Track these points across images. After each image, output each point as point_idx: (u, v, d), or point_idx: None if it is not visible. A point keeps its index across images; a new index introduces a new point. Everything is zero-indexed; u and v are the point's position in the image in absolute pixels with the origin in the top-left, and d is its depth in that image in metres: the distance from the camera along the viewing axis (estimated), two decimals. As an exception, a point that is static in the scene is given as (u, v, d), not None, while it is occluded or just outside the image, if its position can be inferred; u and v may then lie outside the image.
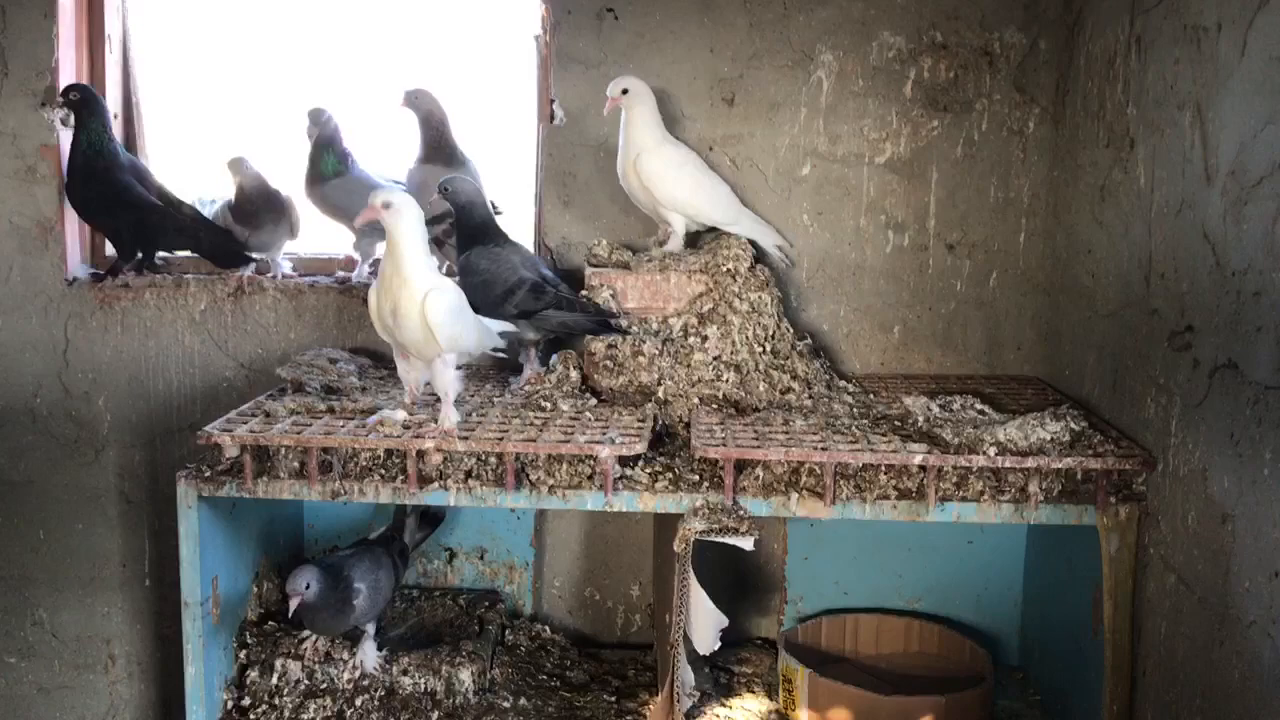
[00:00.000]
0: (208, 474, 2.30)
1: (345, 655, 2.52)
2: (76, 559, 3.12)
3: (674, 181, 2.68)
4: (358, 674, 2.51)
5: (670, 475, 2.28)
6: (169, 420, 3.03)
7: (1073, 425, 2.19)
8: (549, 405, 2.48)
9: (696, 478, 2.27)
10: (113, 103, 3.13)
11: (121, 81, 3.17)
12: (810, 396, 2.57)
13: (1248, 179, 1.83)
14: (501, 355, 2.60)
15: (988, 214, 2.88)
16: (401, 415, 2.30)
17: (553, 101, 2.91)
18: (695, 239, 2.79)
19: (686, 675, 2.34)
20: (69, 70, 2.98)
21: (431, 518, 2.82)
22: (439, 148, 2.83)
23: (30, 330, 2.99)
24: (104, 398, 3.03)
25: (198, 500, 2.29)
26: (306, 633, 2.52)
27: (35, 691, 3.19)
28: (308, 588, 2.32)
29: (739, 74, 2.86)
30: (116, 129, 3.14)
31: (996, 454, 2.14)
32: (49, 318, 2.99)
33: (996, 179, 2.86)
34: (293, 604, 2.33)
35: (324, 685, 2.50)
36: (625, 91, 2.65)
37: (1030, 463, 2.14)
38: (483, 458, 2.27)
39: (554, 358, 2.66)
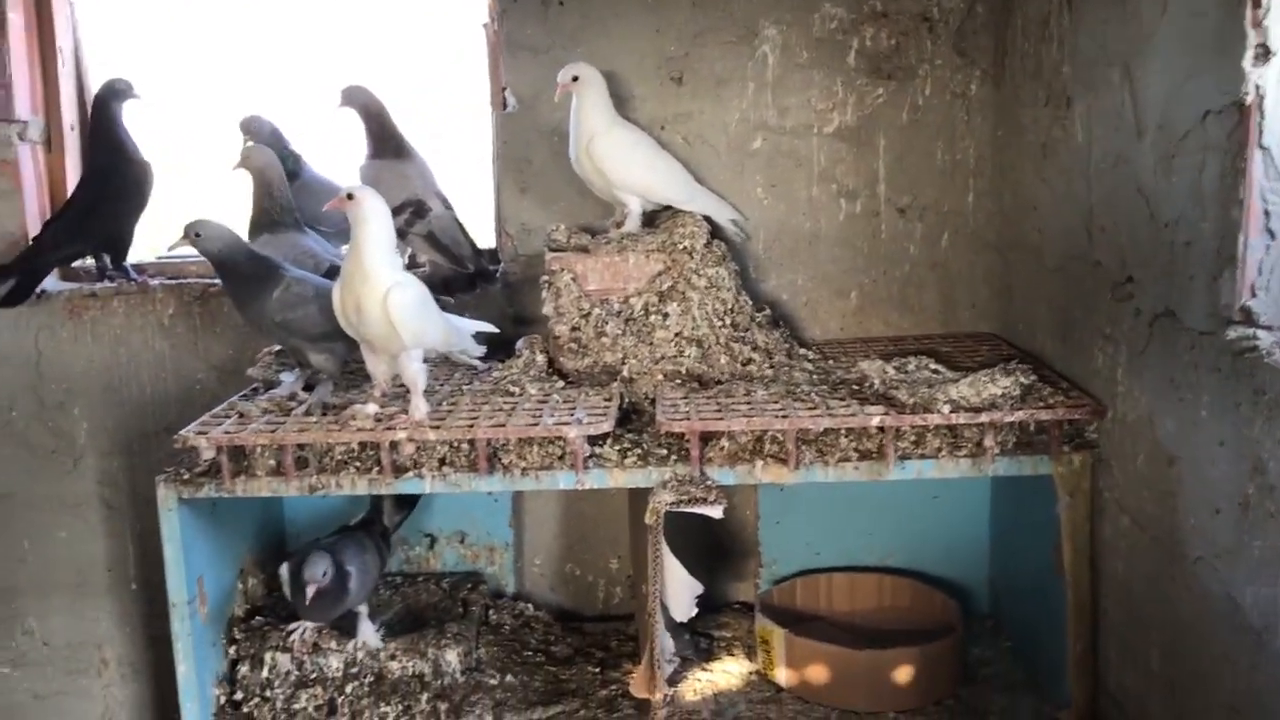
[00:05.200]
0: (186, 476, 2.34)
1: (334, 644, 2.57)
2: (62, 567, 3.16)
3: (627, 163, 2.72)
4: (362, 653, 2.57)
5: (638, 451, 2.34)
6: (144, 425, 3.07)
7: (1022, 379, 2.26)
8: (517, 389, 2.53)
9: (664, 452, 2.33)
10: (68, 113, 3.15)
11: (76, 94, 3.18)
12: (771, 366, 2.63)
13: (1174, 133, 1.90)
14: (476, 363, 2.64)
15: (936, 176, 2.94)
16: (373, 408, 2.34)
17: (504, 89, 2.95)
18: (652, 218, 2.84)
19: (666, 642, 2.41)
20: (23, 85, 3.00)
21: (408, 499, 2.86)
22: (384, 141, 2.83)
23: (2, 345, 3.02)
24: (79, 407, 3.07)
25: (178, 502, 2.34)
26: (294, 625, 2.58)
27: (31, 699, 3.23)
28: (324, 575, 2.39)
29: (685, 52, 2.90)
30: (73, 140, 3.18)
31: (951, 411, 2.21)
32: (19, 331, 3.02)
33: (943, 142, 2.92)
34: (310, 591, 2.40)
35: (314, 675, 2.56)
36: (576, 79, 2.69)
37: (984, 417, 2.22)
38: (455, 444, 2.32)
39: (520, 342, 2.71)
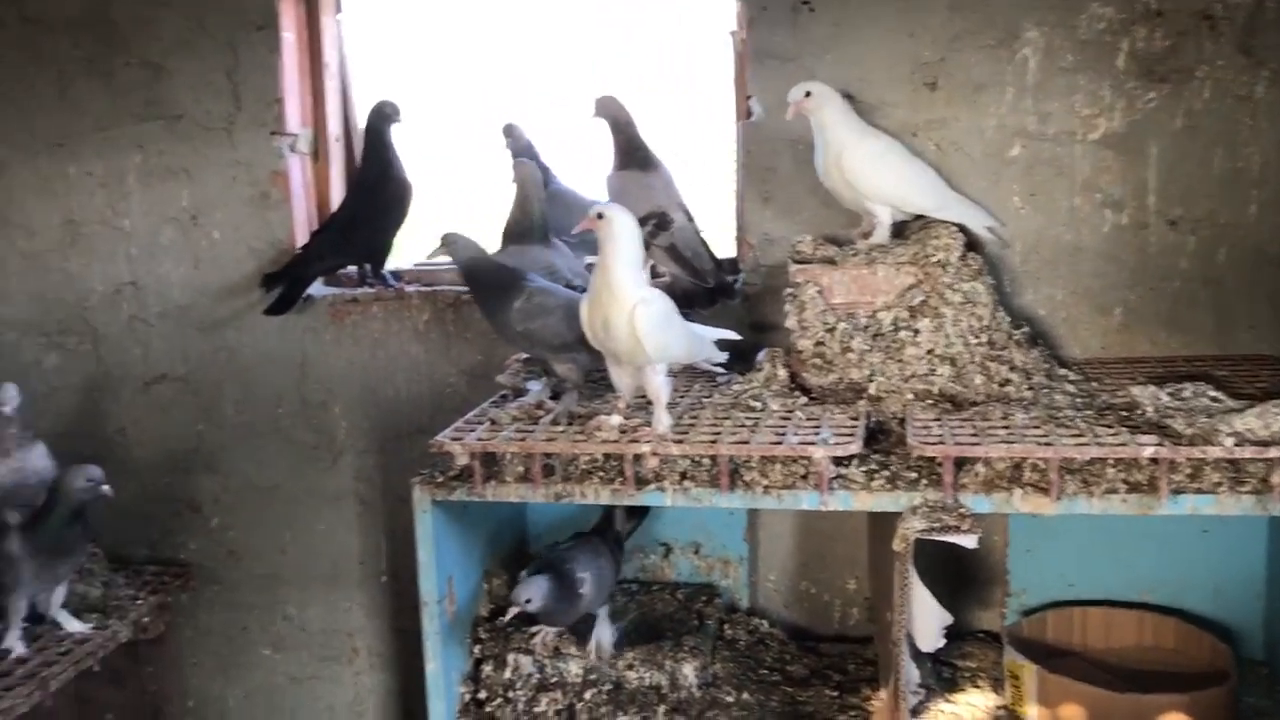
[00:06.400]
0: (440, 479, 2.41)
1: (574, 649, 2.60)
2: (319, 558, 3.34)
3: (878, 173, 2.64)
4: (596, 656, 2.59)
5: (886, 474, 2.26)
6: (399, 425, 3.20)
7: (1319, 412, 2.06)
8: (759, 405, 2.50)
9: (914, 475, 2.24)
10: (334, 125, 3.32)
11: (341, 105, 3.35)
12: (1030, 388, 2.49)
13: None
14: (720, 370, 2.62)
15: (1213, 186, 2.73)
16: (617, 420, 2.35)
17: (749, 98, 2.91)
18: (900, 229, 2.75)
19: (910, 672, 2.32)
20: (294, 99, 3.17)
21: (639, 508, 2.86)
22: (631, 152, 2.83)
23: (271, 346, 3.21)
24: (339, 406, 3.23)
25: (432, 505, 2.41)
26: (536, 628, 2.62)
27: (288, 681, 3.43)
28: (528, 602, 2.44)
29: (940, 57, 2.80)
30: (338, 151, 3.35)
31: (1235, 445, 2.04)
32: (287, 334, 3.20)
33: (1222, 149, 2.71)
34: (511, 613, 2.46)
35: (554, 679, 2.59)
36: (809, 94, 2.63)
37: (1273, 452, 2.03)
38: (697, 459, 2.31)
39: (761, 355, 2.67)
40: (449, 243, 2.49)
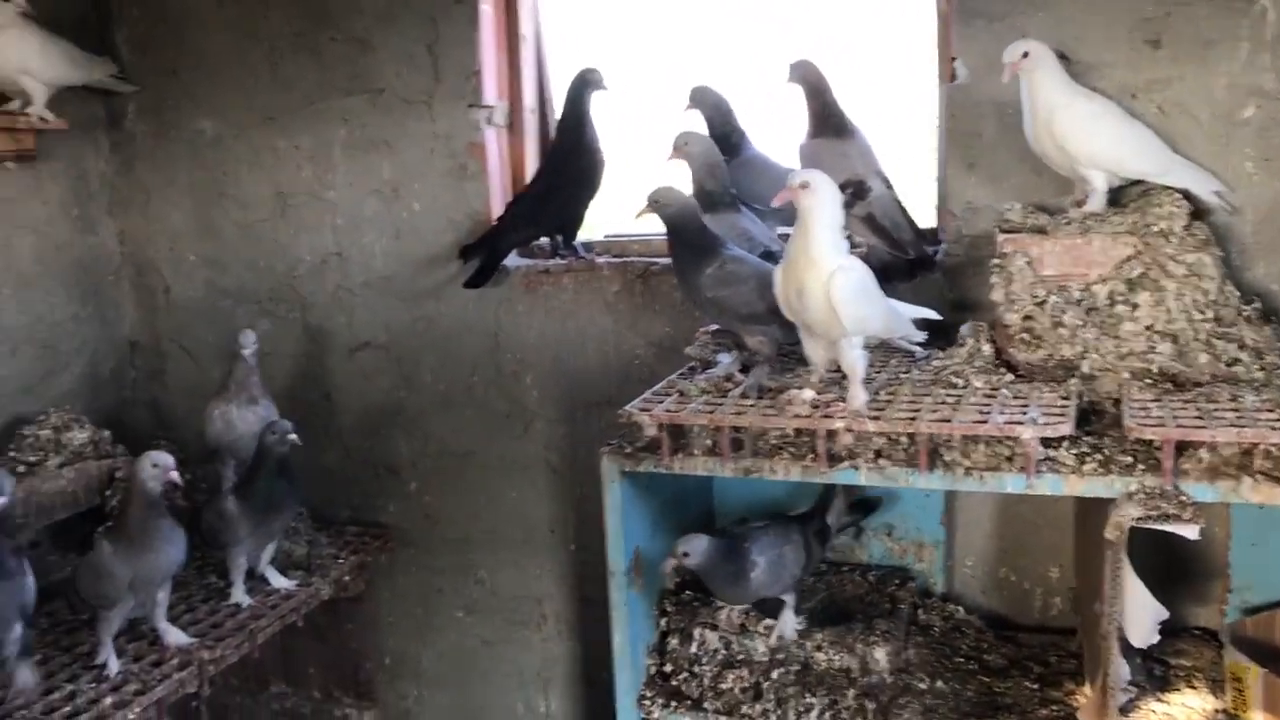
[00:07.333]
0: (628, 450, 2.41)
1: (760, 628, 2.56)
2: (511, 523, 3.39)
3: (1092, 136, 2.48)
4: (775, 642, 2.54)
5: (1099, 457, 2.12)
6: (588, 395, 3.21)
7: None
8: (961, 382, 2.38)
9: (1129, 460, 2.10)
10: (529, 97, 3.34)
11: (536, 77, 3.37)
12: (1262, 368, 2.30)
13: None
14: (918, 348, 2.53)
15: None
16: (810, 394, 2.29)
17: (954, 59, 2.78)
18: (1118, 197, 2.57)
19: (1120, 668, 2.18)
20: (491, 71, 3.21)
21: (866, 505, 2.80)
22: (826, 119, 2.71)
23: (467, 316, 3.27)
24: (531, 376, 3.26)
25: (620, 475, 2.41)
26: (721, 603, 2.59)
27: (480, 644, 3.51)
28: (685, 556, 2.41)
29: (1165, 12, 2.59)
30: (532, 123, 3.37)
31: None
32: (482, 304, 3.24)
33: None
34: (667, 564, 2.44)
35: (740, 656, 2.56)
36: (1026, 55, 2.49)
37: None
38: (893, 437, 2.22)
39: (964, 328, 2.56)
40: (655, 200, 2.42)
